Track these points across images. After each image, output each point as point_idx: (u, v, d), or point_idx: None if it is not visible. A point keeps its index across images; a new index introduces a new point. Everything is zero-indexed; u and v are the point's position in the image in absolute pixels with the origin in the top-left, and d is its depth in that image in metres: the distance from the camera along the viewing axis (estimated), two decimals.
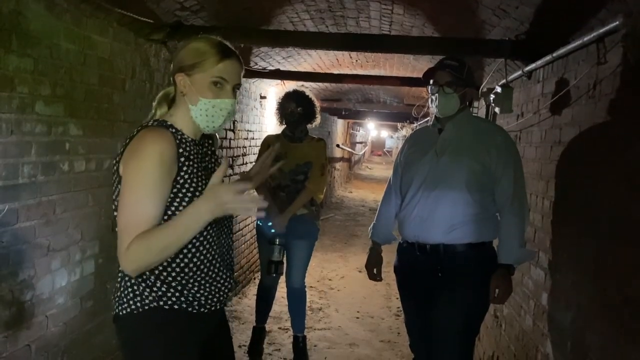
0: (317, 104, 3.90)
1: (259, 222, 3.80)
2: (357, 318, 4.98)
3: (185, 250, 1.49)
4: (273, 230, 3.61)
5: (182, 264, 1.50)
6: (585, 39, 2.18)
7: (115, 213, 1.48)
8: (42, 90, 2.25)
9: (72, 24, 2.42)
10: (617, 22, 1.91)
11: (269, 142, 3.85)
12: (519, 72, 3.12)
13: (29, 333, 2.25)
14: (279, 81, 5.64)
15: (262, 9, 3.55)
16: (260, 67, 4.84)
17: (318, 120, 3.88)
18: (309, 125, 3.82)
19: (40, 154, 2.26)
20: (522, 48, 2.92)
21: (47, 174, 2.33)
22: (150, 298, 1.48)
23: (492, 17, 2.89)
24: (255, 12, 3.57)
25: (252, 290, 5.45)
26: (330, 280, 6.22)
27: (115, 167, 1.49)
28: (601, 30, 2.04)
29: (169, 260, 1.48)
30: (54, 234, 2.40)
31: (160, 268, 1.49)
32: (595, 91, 2.22)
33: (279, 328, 4.51)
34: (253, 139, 5.78)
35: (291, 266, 3.77)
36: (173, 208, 1.46)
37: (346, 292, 5.77)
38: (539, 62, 2.79)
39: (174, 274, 1.49)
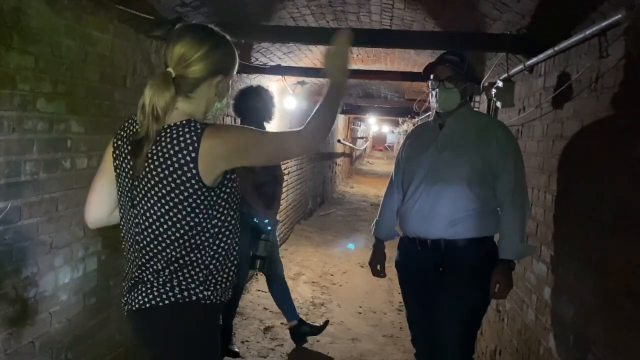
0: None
1: (256, 220, 3.77)
2: (360, 313, 4.99)
3: (224, 244, 1.58)
4: (270, 228, 3.73)
5: (220, 258, 1.57)
6: (587, 32, 2.18)
7: (174, 223, 1.50)
8: (44, 87, 2.25)
9: (73, 20, 2.41)
10: (619, 15, 1.90)
11: None
12: (521, 66, 3.12)
13: (32, 330, 2.26)
14: (280, 77, 5.63)
15: (263, 4, 3.54)
16: (260, 63, 4.83)
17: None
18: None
19: (42, 151, 2.27)
20: (524, 42, 2.92)
21: (49, 171, 2.33)
22: (198, 289, 1.53)
23: (493, 10, 2.88)
24: (255, 7, 3.56)
25: (254, 286, 5.46)
26: (332, 275, 6.23)
27: (185, 177, 1.45)
28: (603, 24, 2.03)
29: (210, 255, 1.55)
30: (57, 231, 2.40)
31: (207, 262, 1.54)
32: (597, 85, 2.22)
33: (282, 323, 4.52)
34: None
35: (276, 259, 3.97)
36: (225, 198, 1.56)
37: (348, 287, 5.78)
38: (541, 56, 2.79)
39: (213, 267, 1.55)
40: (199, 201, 1.48)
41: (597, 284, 2.10)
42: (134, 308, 1.55)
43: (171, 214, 1.49)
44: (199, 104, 1.57)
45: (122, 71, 2.86)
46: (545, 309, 2.66)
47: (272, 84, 6.15)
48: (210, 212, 1.51)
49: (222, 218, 1.55)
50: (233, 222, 1.60)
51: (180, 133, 1.46)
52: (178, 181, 1.46)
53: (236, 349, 3.87)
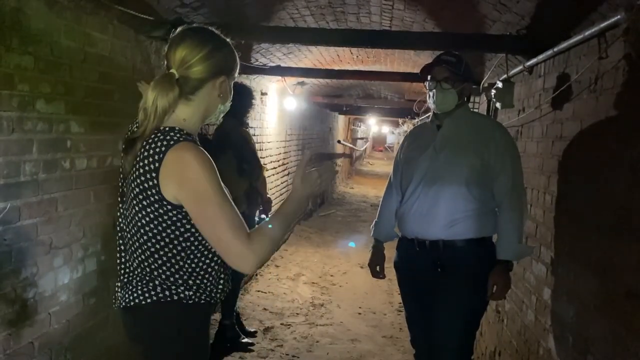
0: None
1: (264, 217, 4.04)
2: (359, 314, 4.99)
3: (204, 265, 1.56)
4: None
5: (208, 261, 1.56)
6: (587, 33, 2.18)
7: (143, 226, 1.49)
8: (43, 88, 2.25)
9: (73, 21, 2.42)
10: (619, 16, 1.90)
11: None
12: (520, 67, 3.12)
13: (32, 330, 2.26)
14: (280, 77, 5.63)
15: (262, 5, 3.54)
16: (260, 64, 4.84)
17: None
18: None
19: (41, 151, 2.27)
20: (523, 43, 2.92)
21: (49, 171, 2.33)
22: (180, 289, 1.52)
23: (493, 11, 2.88)
24: (255, 8, 3.56)
25: (253, 287, 5.47)
26: (332, 276, 6.23)
27: (148, 184, 1.45)
28: (602, 25, 2.03)
29: (199, 256, 1.53)
30: (56, 231, 2.40)
31: (193, 265, 1.54)
32: (596, 86, 2.22)
33: (281, 324, 4.53)
34: (254, 135, 5.77)
35: None
36: None
37: (348, 288, 5.78)
38: (540, 57, 2.79)
39: (201, 270, 1.55)
40: (157, 213, 1.46)
41: (597, 285, 2.10)
42: (122, 306, 1.58)
43: (137, 217, 1.50)
44: (197, 108, 1.56)
45: (121, 72, 2.86)
46: (545, 310, 2.66)
47: (272, 84, 6.16)
48: (174, 228, 1.48)
49: (199, 238, 1.51)
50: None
51: (157, 139, 1.46)
52: (141, 187, 1.46)
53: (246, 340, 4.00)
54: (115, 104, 2.80)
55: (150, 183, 1.45)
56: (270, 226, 1.51)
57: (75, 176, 2.52)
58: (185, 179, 1.43)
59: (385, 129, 30.15)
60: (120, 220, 1.60)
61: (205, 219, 1.45)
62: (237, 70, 1.65)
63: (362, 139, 24.32)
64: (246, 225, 1.47)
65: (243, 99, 3.87)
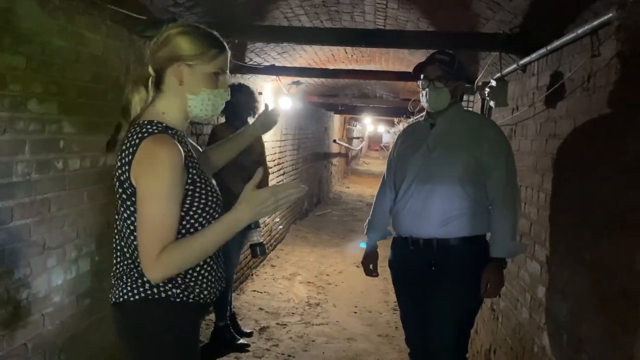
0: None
1: None
2: (355, 313, 4.99)
3: None
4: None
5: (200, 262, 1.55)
6: (579, 31, 2.18)
7: (125, 220, 1.51)
8: (35, 88, 2.24)
9: (65, 21, 2.40)
10: (611, 14, 1.91)
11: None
12: (514, 66, 3.12)
13: (25, 332, 2.25)
14: (275, 77, 5.62)
15: (256, 4, 3.54)
16: (255, 63, 4.83)
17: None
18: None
19: (34, 152, 2.26)
20: (517, 41, 2.92)
21: (42, 172, 2.32)
22: (167, 287, 1.52)
23: (486, 10, 2.88)
24: (249, 7, 3.55)
25: (249, 287, 5.46)
26: (328, 275, 6.23)
27: (123, 177, 1.46)
28: (595, 23, 2.04)
29: None
30: (49, 232, 2.39)
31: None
32: (589, 84, 2.22)
33: (277, 324, 4.52)
34: None
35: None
36: (187, 206, 1.49)
37: (344, 287, 5.78)
38: (534, 56, 2.79)
39: (189, 269, 1.54)
40: (134, 207, 1.46)
41: (591, 283, 2.11)
42: (111, 302, 1.58)
43: (121, 211, 1.52)
44: (171, 99, 1.55)
45: (115, 72, 2.85)
46: (539, 308, 2.66)
47: (266, 84, 6.14)
48: None
49: (182, 231, 1.49)
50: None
51: (133, 133, 1.48)
52: (119, 181, 1.48)
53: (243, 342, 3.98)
54: (109, 104, 2.79)
55: (125, 176, 1.46)
56: (195, 242, 1.46)
57: (69, 176, 2.51)
58: (145, 170, 1.43)
59: (381, 129, 30.14)
60: (116, 218, 1.60)
61: (142, 216, 1.43)
62: (207, 57, 1.53)
63: (357, 138, 24.32)
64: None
65: (241, 99, 3.86)
